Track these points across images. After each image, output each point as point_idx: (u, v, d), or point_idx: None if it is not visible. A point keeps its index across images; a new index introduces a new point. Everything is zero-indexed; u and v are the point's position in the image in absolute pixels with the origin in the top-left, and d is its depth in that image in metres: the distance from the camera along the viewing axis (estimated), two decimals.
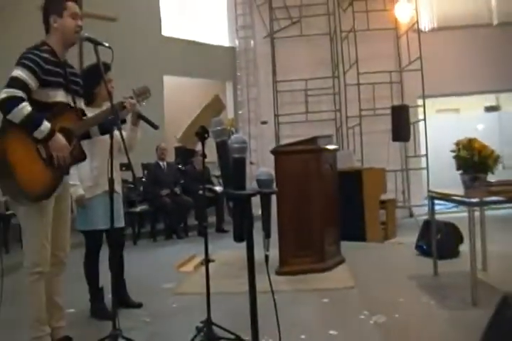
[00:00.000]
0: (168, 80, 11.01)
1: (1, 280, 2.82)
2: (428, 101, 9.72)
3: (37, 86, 2.70)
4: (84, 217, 3.77)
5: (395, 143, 9.05)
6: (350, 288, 4.39)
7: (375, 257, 5.81)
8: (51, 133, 2.69)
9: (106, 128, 3.11)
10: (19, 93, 2.60)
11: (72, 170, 3.61)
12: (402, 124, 8.55)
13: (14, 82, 2.62)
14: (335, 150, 5.69)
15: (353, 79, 10.01)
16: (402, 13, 10.01)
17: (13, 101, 2.58)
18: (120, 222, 3.84)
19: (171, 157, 9.24)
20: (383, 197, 7.08)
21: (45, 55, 2.75)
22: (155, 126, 3.61)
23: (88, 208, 3.74)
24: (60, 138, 2.73)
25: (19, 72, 2.64)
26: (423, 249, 5.61)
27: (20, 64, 2.67)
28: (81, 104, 3.10)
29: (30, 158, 2.66)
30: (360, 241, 6.59)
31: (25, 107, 2.60)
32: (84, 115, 3.06)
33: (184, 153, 9.50)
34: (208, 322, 3.22)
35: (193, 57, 11.13)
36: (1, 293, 2.82)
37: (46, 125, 2.66)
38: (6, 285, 2.89)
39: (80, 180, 3.73)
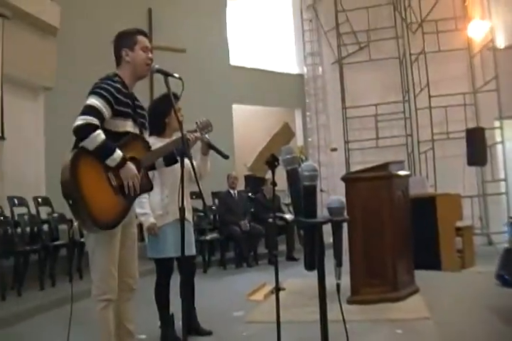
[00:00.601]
0: (238, 109, 11.20)
1: (70, 306, 2.88)
2: (506, 123, 9.32)
3: (110, 115, 2.75)
4: (155, 244, 3.82)
5: (471, 167, 8.73)
6: (426, 319, 4.20)
7: (451, 287, 5.56)
8: (123, 162, 2.72)
9: (171, 160, 3.16)
10: (94, 120, 2.64)
11: (144, 199, 3.72)
12: (477, 148, 8.26)
13: (89, 110, 2.67)
14: (407, 176, 5.56)
15: (425, 103, 9.83)
16: (476, 32, 9.73)
17: (88, 128, 2.62)
18: (191, 250, 3.86)
19: (240, 185, 9.32)
20: (459, 223, 6.82)
21: (118, 86, 2.81)
22: (225, 156, 3.65)
23: (159, 236, 3.79)
24: (131, 166, 2.78)
25: (94, 101, 2.70)
26: (505, 279, 5.31)
27: (94, 93, 2.73)
28: (146, 136, 3.16)
29: (101, 185, 2.69)
30: (435, 270, 6.34)
31: (100, 135, 2.64)
32: (149, 147, 3.11)
33: (254, 181, 9.58)
34: None
35: (262, 85, 11.28)
36: (70, 319, 2.86)
37: (118, 153, 2.70)
38: (79, 310, 2.96)
39: (151, 209, 3.80)
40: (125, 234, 2.89)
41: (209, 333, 4.04)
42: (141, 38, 2.96)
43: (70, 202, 2.61)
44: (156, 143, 3.56)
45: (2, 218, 6.14)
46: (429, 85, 9.59)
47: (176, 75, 2.84)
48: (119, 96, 2.78)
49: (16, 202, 6.94)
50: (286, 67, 12.38)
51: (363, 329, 3.96)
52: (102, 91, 2.73)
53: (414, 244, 5.42)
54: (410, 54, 10.37)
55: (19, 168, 8.24)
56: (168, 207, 3.78)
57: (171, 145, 3.09)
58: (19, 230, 6.14)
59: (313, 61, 12.21)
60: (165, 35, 9.56)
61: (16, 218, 6.39)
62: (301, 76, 12.34)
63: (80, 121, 2.62)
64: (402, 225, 5.16)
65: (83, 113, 2.66)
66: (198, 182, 2.94)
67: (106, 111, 2.72)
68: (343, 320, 2.19)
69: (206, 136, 3.49)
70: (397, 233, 5.00)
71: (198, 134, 3.35)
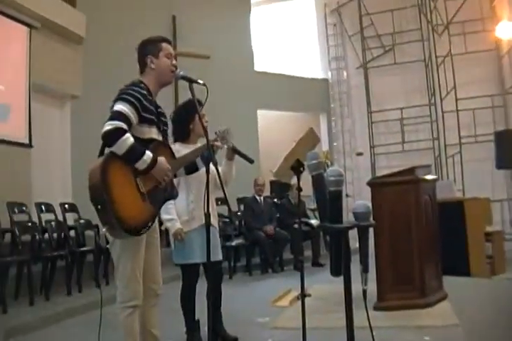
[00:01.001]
0: (262, 114, 11.21)
1: (100, 311, 2.91)
2: None
3: (136, 121, 2.75)
4: (181, 250, 3.83)
5: (500, 171, 8.58)
6: (455, 326, 4.11)
7: (481, 293, 5.45)
8: (154, 162, 2.72)
9: (191, 168, 3.17)
10: (123, 125, 2.64)
11: (170, 205, 3.73)
12: (507, 150, 8.10)
13: (117, 115, 2.66)
14: (434, 180, 5.48)
15: (451, 106, 9.71)
16: (504, 33, 9.56)
17: (117, 133, 2.61)
18: (217, 256, 3.86)
19: (266, 191, 9.31)
20: (489, 228, 6.70)
21: (145, 92, 2.81)
22: (250, 160, 3.64)
23: (185, 242, 3.80)
24: (163, 161, 2.77)
25: (121, 106, 2.69)
26: None
27: (122, 99, 2.73)
28: (169, 143, 3.17)
29: (130, 191, 2.68)
30: (463, 276, 6.22)
31: (129, 138, 2.64)
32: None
33: (279, 187, 9.55)
34: None
35: (287, 90, 11.28)
36: (100, 324, 2.89)
37: (148, 155, 2.70)
38: (107, 315, 2.98)
39: (177, 215, 3.81)
40: (149, 239, 2.89)
41: (234, 339, 4.02)
42: (165, 45, 2.98)
43: (99, 207, 2.59)
44: (180, 149, 3.59)
45: (30, 224, 6.23)
46: (456, 88, 9.46)
47: (201, 81, 2.85)
48: (145, 103, 2.79)
49: (44, 208, 7.04)
50: (311, 72, 12.36)
51: (390, 336, 3.90)
52: (129, 97, 2.73)
53: (442, 250, 5.34)
54: (436, 56, 10.26)
55: (46, 174, 8.37)
56: (194, 213, 3.79)
57: (196, 153, 3.10)
58: (46, 236, 6.23)
59: (338, 65, 12.17)
60: (189, 41, 9.63)
61: (44, 224, 6.47)
62: (325, 81, 12.31)
63: (109, 126, 2.62)
64: (430, 230, 5.08)
65: (111, 118, 2.66)
66: (223, 187, 2.93)
67: (133, 117, 2.72)
68: (370, 326, 2.16)
69: (225, 145, 3.50)
70: (424, 238, 4.93)
71: (218, 143, 3.39)
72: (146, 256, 2.86)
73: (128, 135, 2.64)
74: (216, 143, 3.38)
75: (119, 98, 2.75)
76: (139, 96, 2.76)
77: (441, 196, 5.90)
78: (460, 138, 9.49)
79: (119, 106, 2.70)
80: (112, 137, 2.61)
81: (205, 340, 3.31)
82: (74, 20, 8.51)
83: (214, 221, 3.83)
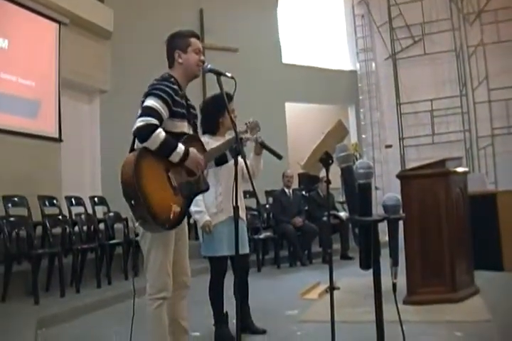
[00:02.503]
0: (290, 107, 11.16)
1: (133, 302, 2.93)
2: None
3: (167, 116, 2.76)
4: (209, 243, 3.83)
5: None
6: (487, 322, 4.03)
7: None
8: (186, 153, 2.74)
9: (221, 159, 3.17)
10: (154, 121, 2.65)
11: (199, 197, 3.73)
12: None
13: (149, 111, 2.68)
14: (465, 172, 5.38)
15: (483, 97, 9.53)
16: None
17: (149, 129, 2.63)
18: (245, 248, 3.86)
19: (294, 183, 9.28)
20: None
21: (175, 87, 2.82)
22: (278, 156, 3.61)
23: (213, 234, 3.80)
24: (195, 152, 2.80)
25: (152, 102, 2.70)
26: None
27: (152, 94, 2.74)
28: (198, 137, 3.18)
29: (162, 185, 2.72)
30: (496, 270, 6.10)
31: (161, 133, 2.66)
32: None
33: (308, 180, 9.50)
34: None
35: (314, 82, 11.21)
36: (133, 316, 2.91)
37: (181, 147, 2.72)
38: (137, 306, 2.99)
39: (205, 207, 3.82)
40: (178, 232, 2.92)
41: (263, 332, 4.03)
42: (194, 40, 2.98)
43: (132, 202, 2.62)
44: (210, 141, 3.60)
45: (60, 217, 6.34)
46: (488, 78, 9.28)
47: (229, 74, 2.84)
48: (176, 97, 2.80)
49: (74, 201, 7.16)
50: (339, 64, 12.25)
51: (420, 330, 3.84)
52: (160, 93, 2.74)
53: (474, 244, 5.24)
54: (468, 46, 10.06)
55: (76, 168, 8.49)
56: (222, 205, 3.80)
57: (226, 145, 3.09)
58: (76, 229, 6.32)
59: (366, 57, 12.04)
60: (217, 35, 9.63)
61: (74, 217, 6.57)
62: (354, 72, 12.19)
63: (140, 122, 2.64)
64: (461, 223, 4.99)
65: (142, 114, 2.67)
66: (251, 180, 2.92)
67: (164, 112, 2.73)
68: (400, 320, 2.12)
69: (260, 136, 3.48)
70: (455, 231, 4.85)
71: (248, 135, 3.36)
72: (175, 248, 2.88)
73: (160, 130, 2.66)
74: (246, 135, 3.35)
75: (150, 93, 2.75)
76: (169, 91, 2.77)
77: (472, 189, 5.79)
78: (492, 129, 9.31)
79: (151, 102, 2.71)
80: (144, 133, 2.64)
81: (234, 333, 3.30)
82: (102, 16, 8.57)
83: (242, 213, 3.83)
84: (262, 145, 3.71)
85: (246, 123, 3.40)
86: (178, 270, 2.93)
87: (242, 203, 3.80)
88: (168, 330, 2.85)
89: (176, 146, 2.71)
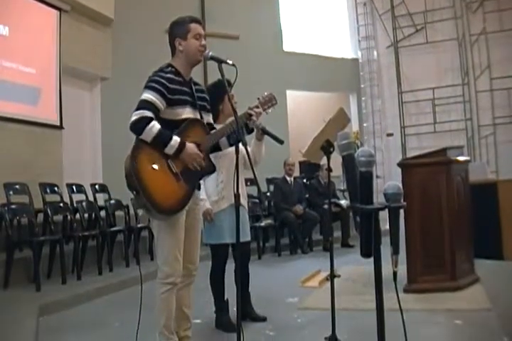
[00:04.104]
0: (292, 94, 11.12)
1: (140, 288, 2.98)
2: None
3: (164, 106, 2.83)
4: (210, 230, 3.85)
5: None
6: (487, 310, 4.04)
7: None
8: (181, 147, 2.79)
9: (235, 139, 3.11)
10: (148, 113, 2.74)
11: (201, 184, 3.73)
12: None
13: (143, 104, 2.77)
14: (466, 161, 5.37)
15: (485, 86, 9.49)
16: None
17: (142, 122, 2.72)
18: (246, 236, 3.87)
19: (295, 171, 9.28)
20: None
21: (170, 76, 2.87)
22: (280, 141, 3.59)
23: (214, 222, 3.81)
24: (191, 147, 2.83)
25: (147, 95, 2.79)
26: None
27: (147, 87, 2.82)
28: (209, 118, 3.17)
29: (162, 174, 2.78)
30: (496, 259, 6.11)
31: (155, 125, 2.73)
32: (213, 129, 3.11)
33: (309, 168, 9.50)
34: (333, 339, 3.14)
35: (316, 70, 11.15)
36: (141, 299, 2.95)
37: (176, 139, 2.78)
38: (138, 292, 3.02)
39: (206, 195, 3.82)
40: (190, 220, 2.97)
41: (263, 319, 4.05)
42: (193, 25, 2.97)
43: (134, 192, 2.73)
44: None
45: (61, 204, 6.34)
46: (491, 67, 9.24)
47: (230, 62, 2.83)
48: (171, 86, 2.85)
49: (75, 189, 7.16)
50: (341, 52, 12.18)
51: (420, 318, 3.86)
52: (153, 84, 2.82)
53: (475, 232, 5.25)
54: (470, 35, 9.99)
55: (77, 156, 8.49)
56: (223, 193, 3.81)
57: (229, 127, 3.06)
58: (78, 216, 6.34)
59: (368, 45, 11.97)
60: (218, 22, 9.56)
61: (75, 204, 6.58)
62: (355, 60, 12.13)
63: (134, 116, 2.74)
64: (461, 212, 5.00)
65: (137, 108, 2.77)
66: (252, 168, 2.90)
67: (159, 102, 2.80)
68: (400, 309, 2.13)
69: (269, 111, 3.33)
70: (455, 220, 4.85)
71: (260, 109, 3.15)
72: (186, 237, 2.92)
73: (153, 123, 2.74)
74: (256, 109, 3.13)
75: (145, 86, 2.84)
76: (163, 81, 2.83)
77: (473, 178, 5.78)
78: (494, 118, 9.28)
79: (145, 95, 2.80)
80: (138, 127, 2.73)
81: (234, 320, 3.32)
82: (103, 3, 8.51)
83: (243, 201, 3.82)
84: (262, 131, 3.69)
85: (258, 98, 3.23)
86: (186, 258, 2.97)
87: (243, 191, 3.79)
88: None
89: (170, 139, 2.77)
